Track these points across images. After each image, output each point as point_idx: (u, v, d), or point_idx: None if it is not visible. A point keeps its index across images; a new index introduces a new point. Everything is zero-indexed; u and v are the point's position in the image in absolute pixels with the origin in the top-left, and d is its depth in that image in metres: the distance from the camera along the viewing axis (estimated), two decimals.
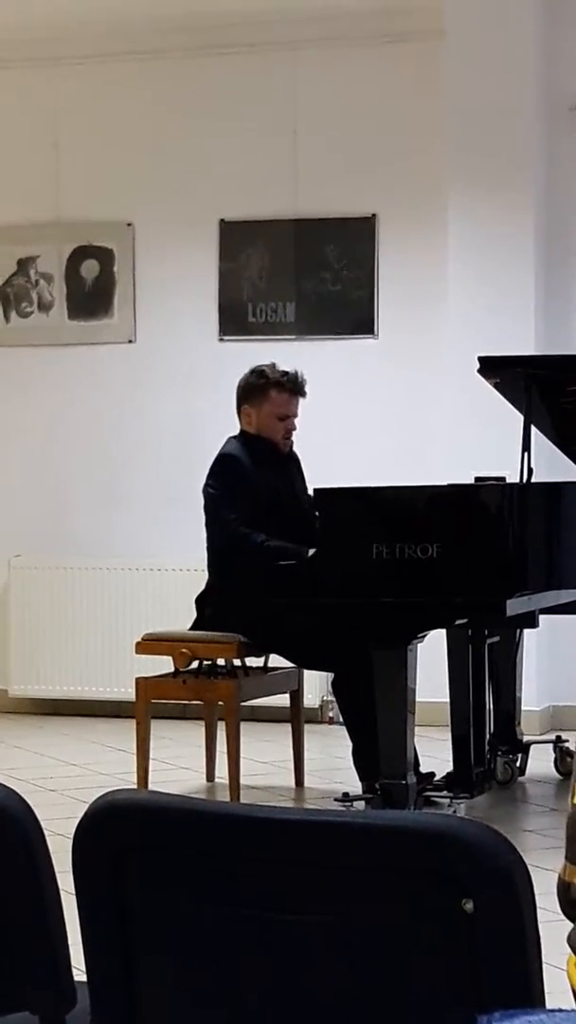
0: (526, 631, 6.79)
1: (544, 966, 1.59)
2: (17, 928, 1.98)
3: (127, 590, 8.48)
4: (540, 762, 6.86)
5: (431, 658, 6.17)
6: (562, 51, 7.99)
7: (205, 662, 6.35)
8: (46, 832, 1.98)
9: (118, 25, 8.50)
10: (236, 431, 6.58)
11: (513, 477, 6.20)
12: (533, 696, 7.58)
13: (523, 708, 6.97)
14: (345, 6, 8.20)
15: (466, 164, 7.90)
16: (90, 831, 1.75)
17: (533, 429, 6.27)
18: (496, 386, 6.42)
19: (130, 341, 8.73)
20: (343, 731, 6.42)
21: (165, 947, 1.75)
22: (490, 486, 6.06)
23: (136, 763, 6.35)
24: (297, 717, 6.71)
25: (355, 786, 6.13)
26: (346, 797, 5.88)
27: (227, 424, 6.66)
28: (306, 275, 8.44)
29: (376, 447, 8.18)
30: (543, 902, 1.62)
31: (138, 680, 6.42)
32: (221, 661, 6.38)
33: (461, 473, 6.75)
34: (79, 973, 1.91)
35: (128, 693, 6.70)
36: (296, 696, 6.73)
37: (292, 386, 6.51)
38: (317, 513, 5.98)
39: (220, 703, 6.37)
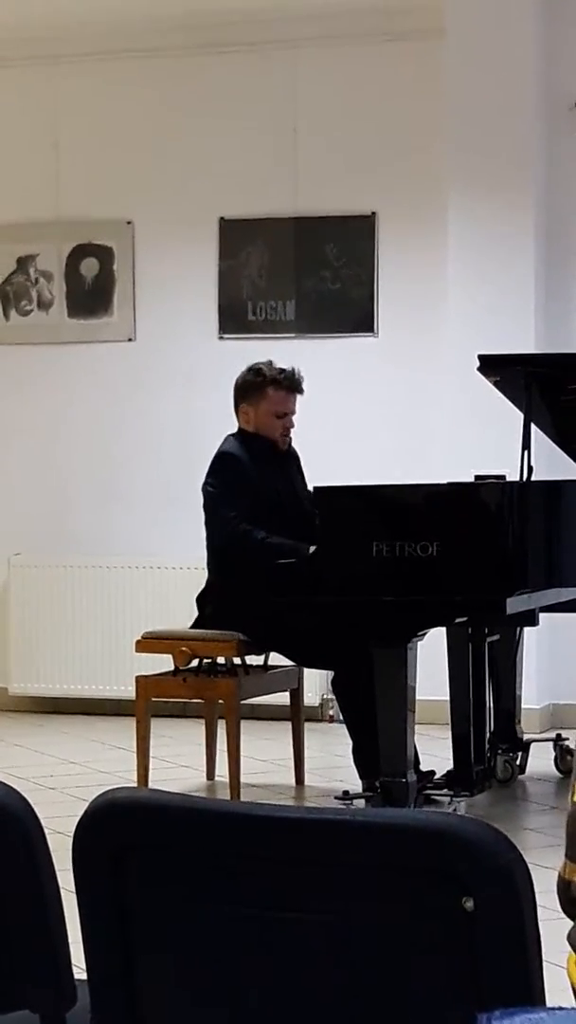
0: (526, 629, 6.79)
1: (544, 964, 1.59)
2: (17, 926, 1.98)
3: (127, 588, 8.48)
4: (540, 760, 6.86)
5: (431, 656, 6.17)
6: (562, 50, 7.98)
7: (205, 660, 6.35)
8: (46, 830, 1.98)
9: (118, 24, 8.49)
10: (235, 429, 6.58)
11: (513, 475, 6.20)
12: (533, 694, 7.58)
13: (523, 706, 6.97)
14: (345, 5, 8.20)
15: (466, 163, 7.90)
16: (90, 829, 1.75)
17: (533, 427, 6.27)
18: (496, 384, 6.42)
19: (130, 339, 8.73)
20: (343, 729, 6.42)
21: (165, 945, 1.75)
22: (490, 484, 6.06)
23: (136, 761, 6.35)
24: (297, 715, 6.71)
25: (355, 784, 6.13)
26: (346, 795, 5.88)
27: (227, 422, 6.66)
28: (306, 273, 8.44)
29: (376, 445, 8.18)
30: (543, 900, 1.62)
31: (138, 678, 6.43)
32: (221, 659, 6.39)
33: (461, 471, 6.75)
34: (79, 971, 1.91)
35: (128, 691, 6.70)
36: (296, 694, 6.73)
37: (290, 384, 6.50)
38: (317, 511, 5.98)
39: (220, 701, 6.37)
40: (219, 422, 6.90)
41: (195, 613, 6.47)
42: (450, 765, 6.24)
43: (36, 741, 7.78)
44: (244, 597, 6.21)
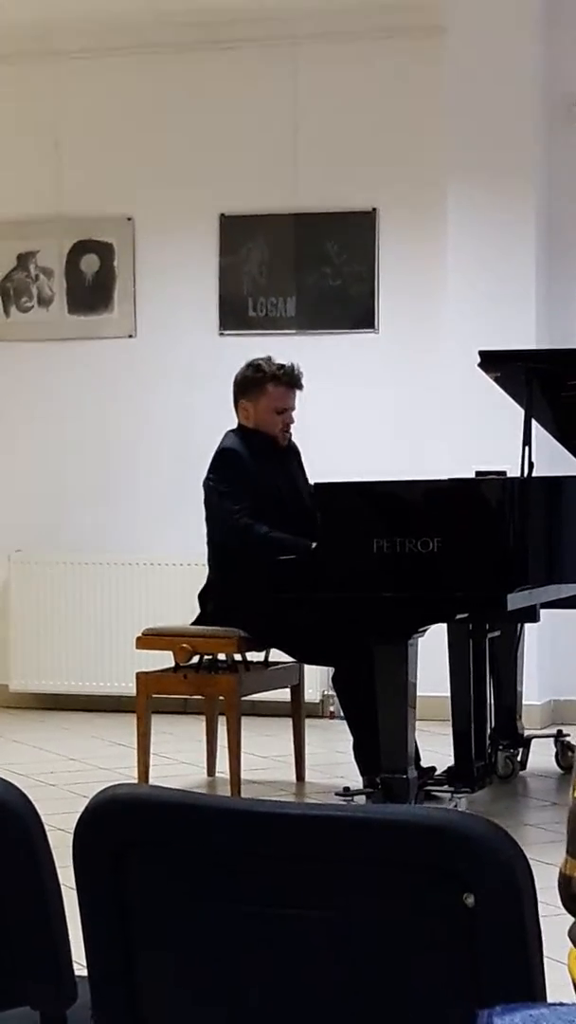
0: (527, 625, 6.78)
1: (545, 960, 1.59)
2: (18, 923, 1.98)
3: (128, 585, 8.48)
4: (541, 756, 6.86)
5: (432, 652, 6.17)
6: (562, 45, 7.98)
7: (206, 657, 6.35)
8: (47, 827, 1.98)
9: (119, 20, 8.49)
10: (235, 425, 6.58)
11: (514, 471, 6.20)
12: (534, 690, 7.58)
13: (524, 702, 6.98)
14: (345, 1, 8.20)
15: (466, 159, 7.90)
16: (91, 826, 1.75)
17: (534, 423, 6.27)
18: (497, 380, 6.42)
19: (130, 336, 8.72)
20: (344, 725, 6.42)
21: (166, 942, 1.75)
22: (491, 480, 6.06)
23: (137, 758, 6.35)
24: (298, 712, 6.71)
25: (356, 780, 6.13)
26: (347, 791, 5.88)
27: (227, 418, 6.66)
28: (306, 270, 8.44)
29: (376, 441, 8.18)
30: (544, 896, 1.61)
31: (139, 675, 6.43)
32: (222, 656, 6.38)
33: (462, 467, 6.75)
34: (80, 968, 1.91)
35: (129, 688, 6.69)
36: (297, 691, 6.73)
37: (289, 379, 6.50)
38: (317, 507, 5.98)
39: (221, 698, 6.37)
40: (219, 418, 6.90)
41: (196, 609, 6.47)
42: (451, 761, 6.24)
43: (37, 737, 7.78)
44: (245, 593, 6.21)
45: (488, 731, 6.43)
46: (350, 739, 6.24)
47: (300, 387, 6.53)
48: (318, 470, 6.48)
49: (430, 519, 5.66)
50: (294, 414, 6.55)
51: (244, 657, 6.43)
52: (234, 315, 8.54)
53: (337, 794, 5.89)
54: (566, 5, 7.98)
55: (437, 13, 7.97)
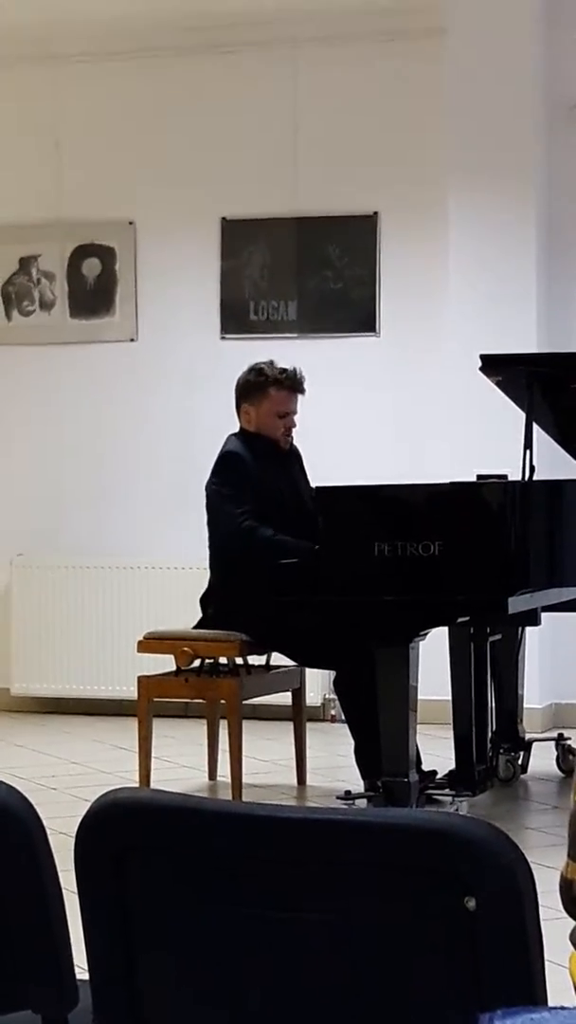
0: (528, 629, 6.78)
1: (546, 964, 1.59)
2: (19, 927, 1.98)
3: (129, 589, 8.48)
4: (542, 760, 6.86)
5: (433, 656, 6.17)
6: (562, 46, 7.98)
7: (207, 660, 6.35)
8: (48, 831, 1.98)
9: (119, 23, 8.50)
10: (237, 429, 6.58)
11: (515, 475, 6.20)
12: (535, 694, 7.58)
13: (525, 706, 6.97)
14: (346, 4, 8.20)
15: (467, 162, 7.90)
16: (92, 829, 1.75)
17: (535, 427, 6.27)
18: (498, 384, 6.42)
19: (131, 339, 8.73)
20: (345, 729, 6.42)
21: (167, 945, 1.75)
22: (492, 484, 6.05)
23: (138, 761, 6.35)
24: (299, 715, 6.71)
25: (357, 784, 6.13)
26: (348, 795, 5.88)
27: (228, 422, 6.66)
28: (308, 273, 8.44)
29: (378, 445, 8.18)
30: (545, 900, 1.61)
31: (140, 678, 6.43)
32: (223, 659, 6.39)
33: (463, 471, 6.75)
34: (81, 971, 1.91)
35: (130, 691, 6.69)
36: (298, 694, 6.73)
37: (291, 383, 6.50)
38: (319, 511, 5.98)
39: (222, 701, 6.37)
40: (220, 422, 6.90)
41: (197, 613, 6.47)
42: (452, 765, 6.24)
43: (38, 741, 7.78)
44: (246, 597, 6.21)
45: (489, 735, 6.43)
46: (351, 743, 6.24)
47: (302, 391, 6.54)
48: (319, 473, 6.49)
49: (431, 523, 5.66)
50: (296, 418, 6.55)
51: (245, 661, 6.43)
52: (235, 319, 8.55)
53: (338, 798, 5.89)
54: (566, 6, 7.98)
55: (437, 15, 7.97)
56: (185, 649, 6.27)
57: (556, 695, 8.04)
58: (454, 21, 7.91)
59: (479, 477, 6.31)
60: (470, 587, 5.61)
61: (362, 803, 5.81)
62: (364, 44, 8.30)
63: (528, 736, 6.92)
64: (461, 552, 5.60)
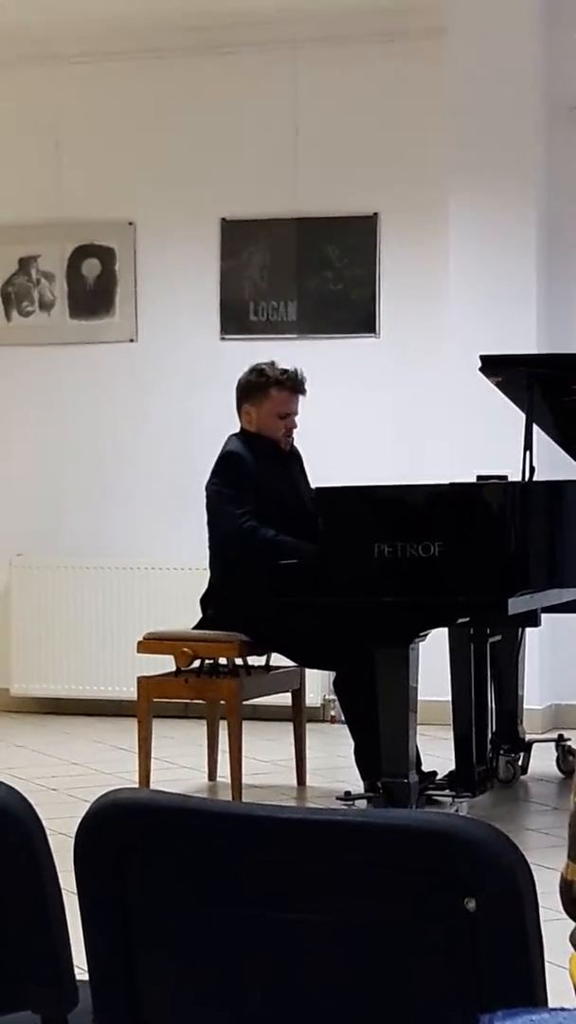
0: (528, 630, 6.78)
1: (546, 965, 1.59)
2: (19, 927, 1.98)
3: (129, 589, 8.48)
4: (542, 761, 6.86)
5: (433, 657, 6.17)
6: (562, 46, 7.98)
7: (207, 661, 6.35)
8: (48, 831, 1.98)
9: (119, 24, 8.50)
10: (236, 429, 6.58)
11: (515, 476, 6.20)
12: (535, 695, 7.57)
13: (525, 707, 6.97)
14: (346, 5, 8.20)
15: (467, 163, 7.90)
16: (92, 830, 1.75)
17: (535, 428, 6.27)
18: (498, 385, 6.42)
19: (131, 340, 8.73)
20: (345, 730, 6.42)
21: (167, 946, 1.75)
22: (492, 485, 6.05)
23: (138, 762, 6.35)
24: (299, 716, 6.71)
25: (357, 785, 6.13)
26: (348, 796, 5.88)
27: (228, 423, 6.66)
28: (307, 274, 8.44)
29: (378, 446, 8.18)
30: (545, 901, 1.61)
31: (140, 679, 6.43)
32: (223, 660, 6.38)
33: (463, 472, 6.75)
34: (81, 972, 1.91)
35: (130, 692, 6.69)
36: (298, 695, 6.73)
37: (292, 384, 6.51)
38: (319, 512, 5.98)
39: (222, 702, 6.37)
40: (220, 422, 6.90)
41: (197, 614, 6.47)
42: (452, 766, 6.24)
43: (38, 742, 7.78)
44: (246, 598, 6.21)
45: (489, 735, 6.43)
46: (351, 743, 6.24)
47: (303, 392, 6.54)
48: (319, 474, 6.49)
49: (431, 523, 5.66)
50: (296, 419, 6.55)
51: (245, 661, 6.43)
52: (235, 319, 8.55)
53: (338, 798, 5.89)
54: (566, 6, 7.98)
55: (437, 15, 7.97)
56: (185, 650, 6.27)
57: (556, 696, 8.04)
58: (454, 21, 7.91)
59: (479, 478, 6.31)
60: (470, 588, 5.61)
61: (362, 804, 5.81)
62: (364, 44, 8.31)
63: (528, 737, 6.92)
64: (461, 553, 5.60)
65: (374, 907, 1.62)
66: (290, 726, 6.74)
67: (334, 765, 6.96)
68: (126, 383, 8.70)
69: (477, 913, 1.56)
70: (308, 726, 6.80)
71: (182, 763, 7.02)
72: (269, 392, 6.48)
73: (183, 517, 7.93)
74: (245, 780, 6.26)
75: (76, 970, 1.98)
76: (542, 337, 7.82)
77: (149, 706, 6.36)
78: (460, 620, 5.91)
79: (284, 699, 6.71)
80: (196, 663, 6.31)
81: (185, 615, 6.70)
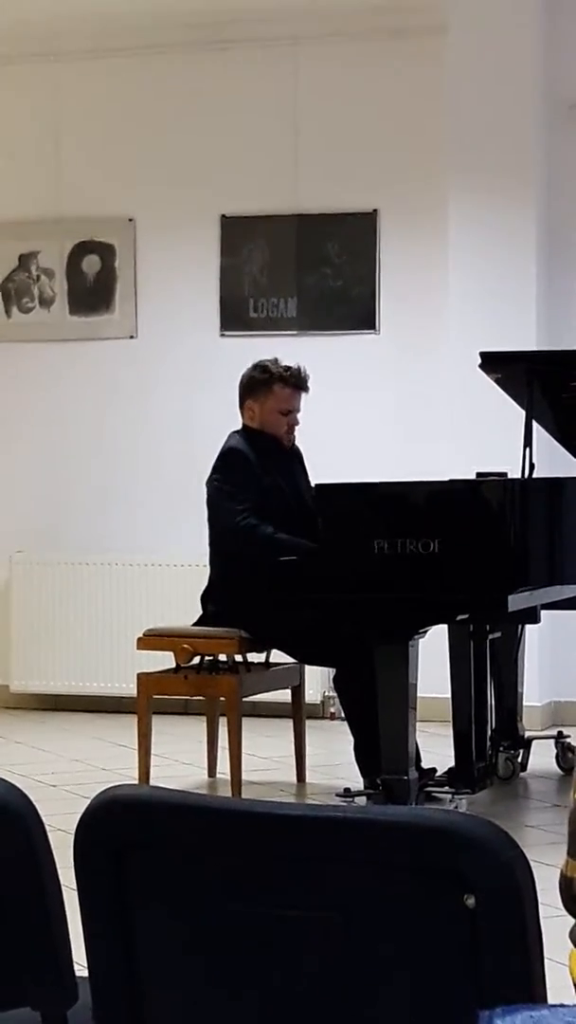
0: (528, 627, 6.78)
1: (546, 961, 1.59)
2: (19, 924, 1.98)
3: (129, 586, 8.48)
4: (542, 758, 6.86)
5: (433, 653, 6.17)
6: (563, 47, 7.99)
7: (207, 658, 6.35)
8: (47, 827, 1.98)
9: (119, 20, 8.49)
10: (237, 425, 6.58)
11: (515, 472, 6.20)
12: (535, 692, 7.58)
13: (525, 704, 6.97)
14: (346, 2, 8.20)
15: (467, 161, 7.90)
16: (91, 827, 1.75)
17: (535, 424, 6.27)
18: (498, 382, 6.42)
19: (131, 336, 8.73)
20: (344, 727, 6.42)
21: (166, 942, 1.75)
22: (492, 481, 6.05)
23: (137, 758, 6.35)
24: (299, 713, 6.71)
25: (357, 782, 6.13)
26: (347, 793, 5.88)
27: (227, 419, 6.66)
28: (307, 271, 8.44)
29: (378, 442, 8.18)
30: (545, 897, 1.61)
31: (139, 675, 6.43)
32: (223, 657, 6.38)
33: (463, 469, 6.75)
34: (81, 968, 1.91)
35: (130, 689, 6.70)
36: (298, 691, 6.73)
37: (295, 381, 6.51)
38: (318, 508, 5.98)
39: (221, 699, 6.37)
40: (220, 419, 6.90)
41: (197, 610, 6.47)
42: (451, 762, 6.24)
43: (37, 738, 7.78)
44: (246, 594, 6.21)
45: (489, 732, 6.43)
46: (351, 740, 6.24)
47: (306, 389, 6.55)
48: (319, 470, 6.49)
49: (431, 520, 5.65)
50: (298, 416, 6.55)
51: (245, 658, 6.43)
52: (235, 316, 8.55)
53: (338, 795, 5.89)
54: (566, 5, 7.98)
55: (438, 13, 7.97)
56: (185, 646, 6.27)
57: (556, 693, 8.04)
58: (455, 19, 7.91)
59: (478, 475, 6.31)
60: (470, 585, 5.61)
61: (361, 800, 5.81)
62: (365, 41, 8.30)
63: (528, 734, 6.92)
64: (461, 550, 5.59)
65: (374, 904, 1.62)
66: (290, 723, 6.74)
67: (334, 762, 6.96)
68: (126, 380, 8.69)
69: (477, 909, 1.56)
70: (308, 723, 6.80)
71: (182, 759, 7.02)
72: (272, 388, 6.48)
73: (183, 514, 7.93)
74: (245, 776, 6.26)
75: (76, 967, 1.98)
76: (542, 333, 7.82)
77: (149, 702, 6.36)
78: (460, 617, 5.90)
79: (284, 695, 6.72)
80: (196, 660, 6.32)
81: (185, 612, 6.71)
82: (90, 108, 8.75)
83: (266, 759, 7.05)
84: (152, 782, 6.14)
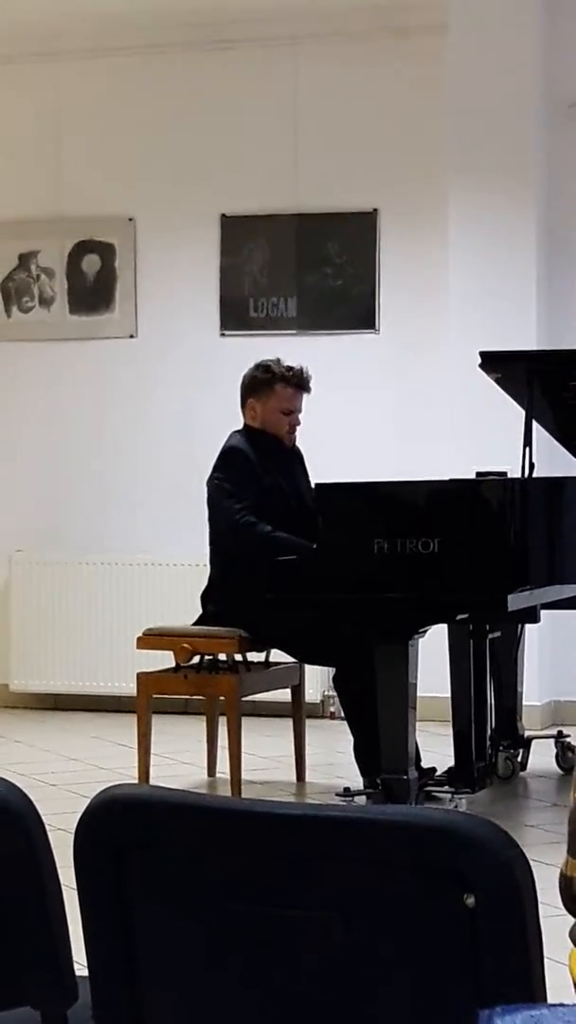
0: (528, 626, 6.78)
1: (546, 961, 1.59)
2: (19, 923, 1.98)
3: (128, 585, 8.48)
4: (541, 757, 6.86)
5: (432, 653, 6.17)
6: (563, 45, 7.98)
7: (206, 657, 6.35)
8: (47, 827, 1.98)
9: (119, 20, 8.49)
10: (237, 425, 6.59)
11: (515, 472, 6.20)
12: (534, 691, 7.58)
13: (524, 703, 6.97)
14: (346, 1, 8.20)
15: (467, 160, 7.90)
16: (91, 826, 1.75)
17: (535, 424, 6.27)
18: (498, 381, 6.42)
19: (131, 336, 8.73)
20: (344, 726, 6.42)
21: (166, 942, 1.75)
22: (492, 481, 6.05)
23: (137, 758, 6.35)
24: (298, 712, 6.71)
25: (356, 781, 6.13)
26: (347, 792, 5.88)
27: (228, 419, 6.66)
28: (307, 270, 8.44)
29: (377, 442, 8.18)
30: (544, 897, 1.61)
31: (139, 675, 6.43)
32: (222, 656, 6.38)
33: (463, 468, 6.75)
34: (80, 968, 1.91)
35: (129, 688, 6.70)
36: (297, 691, 6.73)
37: (297, 381, 6.51)
38: (318, 508, 5.98)
39: (221, 698, 6.37)
40: (220, 418, 6.91)
41: (197, 610, 6.47)
42: (451, 762, 6.24)
43: (37, 738, 7.78)
44: (246, 593, 6.21)
45: (488, 732, 6.43)
46: (350, 739, 6.24)
47: (308, 390, 6.55)
48: (319, 470, 6.49)
49: (431, 520, 5.65)
50: (300, 416, 6.56)
51: (245, 657, 6.43)
52: (235, 315, 8.55)
53: (337, 795, 5.89)
54: (566, 5, 7.98)
55: (438, 13, 7.97)
56: (184, 645, 6.27)
57: (555, 692, 8.04)
58: (455, 19, 7.91)
59: (478, 474, 6.30)
60: (470, 584, 5.61)
61: (361, 800, 5.81)
62: (365, 41, 8.30)
63: (527, 733, 6.92)
64: (461, 549, 5.59)
65: (374, 903, 1.62)
66: (289, 722, 6.74)
67: (333, 761, 6.96)
68: (126, 379, 8.69)
69: (476, 909, 1.56)
70: (307, 722, 6.80)
71: (181, 759, 7.02)
72: (274, 388, 6.49)
73: (183, 513, 7.93)
74: (244, 776, 6.26)
75: (76, 966, 1.98)
76: (542, 333, 7.82)
77: (149, 702, 6.36)
78: (460, 616, 5.90)
79: (284, 695, 6.72)
80: (196, 659, 6.32)
81: (185, 611, 6.71)
82: (90, 108, 8.75)
83: (266, 759, 7.05)
84: (152, 781, 6.14)
